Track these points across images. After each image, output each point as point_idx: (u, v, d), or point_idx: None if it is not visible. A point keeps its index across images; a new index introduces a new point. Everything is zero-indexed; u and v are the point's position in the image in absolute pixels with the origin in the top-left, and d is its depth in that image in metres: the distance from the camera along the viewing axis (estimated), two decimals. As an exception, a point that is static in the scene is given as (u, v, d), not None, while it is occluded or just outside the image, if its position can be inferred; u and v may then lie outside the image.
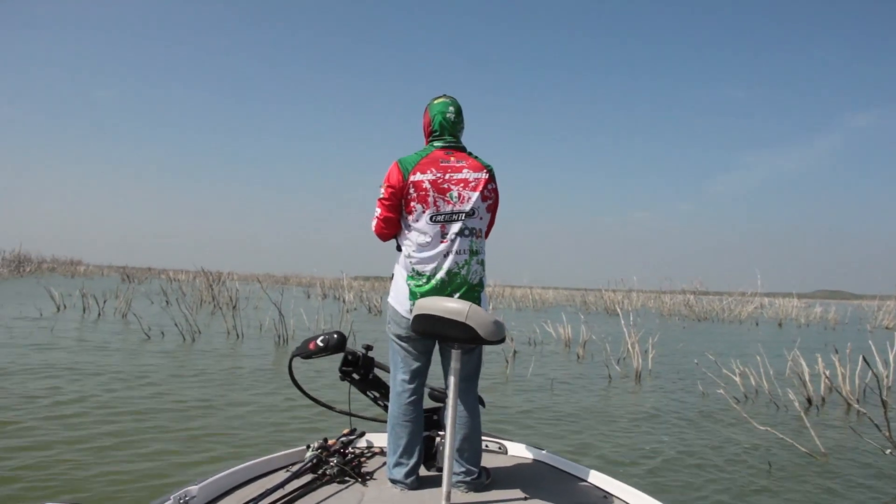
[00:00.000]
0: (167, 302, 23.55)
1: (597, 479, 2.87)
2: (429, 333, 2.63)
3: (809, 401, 8.93)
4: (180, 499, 2.30)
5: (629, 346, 11.66)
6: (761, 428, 6.46)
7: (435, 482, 2.74)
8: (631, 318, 12.91)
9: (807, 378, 9.07)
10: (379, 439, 3.32)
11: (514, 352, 12.78)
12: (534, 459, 3.22)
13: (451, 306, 2.47)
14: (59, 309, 18.01)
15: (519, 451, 3.32)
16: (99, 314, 17.14)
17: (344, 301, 16.44)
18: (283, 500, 2.47)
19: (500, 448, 3.36)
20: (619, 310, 18.32)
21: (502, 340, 2.56)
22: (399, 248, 2.85)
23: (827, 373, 8.83)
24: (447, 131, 2.82)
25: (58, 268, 56.76)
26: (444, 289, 2.68)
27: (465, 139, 2.92)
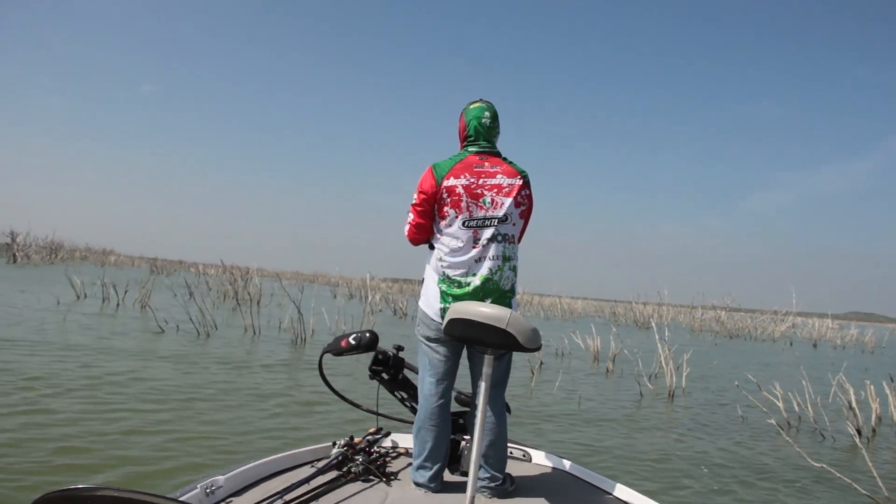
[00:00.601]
0: (190, 295, 23.42)
1: (621, 492, 2.81)
2: (465, 338, 2.60)
3: (859, 432, 8.22)
4: (207, 488, 2.31)
5: (662, 361, 10.92)
6: (817, 465, 5.80)
7: (459, 487, 2.75)
8: (665, 333, 12.20)
9: (855, 406, 8.36)
10: (404, 440, 3.31)
11: (541, 363, 12.17)
12: (558, 469, 3.20)
13: (492, 312, 2.41)
14: (78, 297, 17.83)
15: (543, 460, 3.29)
16: (118, 304, 16.94)
17: (368, 302, 16.09)
18: (307, 496, 2.47)
19: (524, 455, 3.33)
20: (653, 324, 17.57)
21: (539, 348, 2.51)
22: (431, 247, 2.83)
23: (877, 401, 8.13)
24: (482, 136, 2.81)
25: (90, 256, 57.41)
26: (476, 294, 2.67)
27: (501, 145, 2.90)
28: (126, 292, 18.16)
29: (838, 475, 5.51)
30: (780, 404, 8.60)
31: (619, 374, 12.59)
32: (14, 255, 40.98)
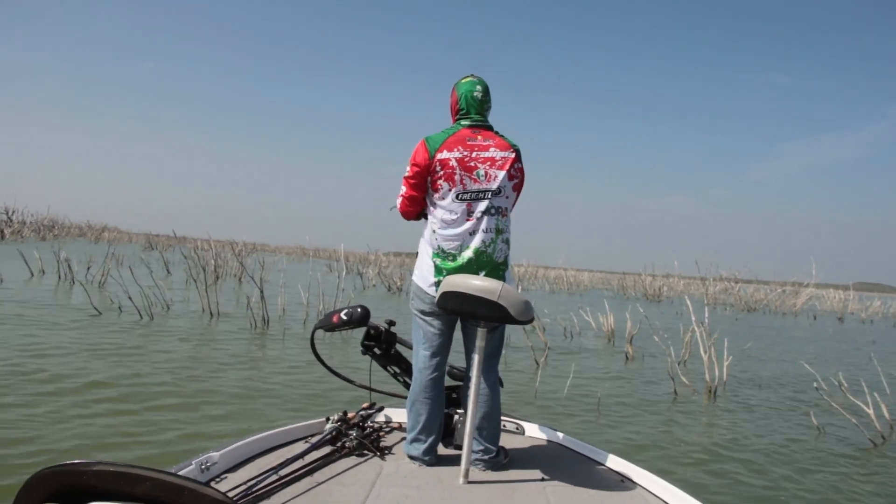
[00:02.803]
0: (168, 272, 21.64)
1: (614, 462, 2.84)
2: (457, 311, 2.68)
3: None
4: (202, 464, 2.32)
5: (700, 348, 8.66)
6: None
7: (453, 460, 2.76)
8: (704, 312, 9.82)
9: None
10: (398, 414, 3.32)
11: (547, 348, 10.28)
12: (552, 441, 3.22)
13: (483, 285, 2.49)
14: (32, 275, 16.18)
15: (537, 433, 3.31)
16: (72, 282, 15.08)
17: (341, 276, 14.25)
18: (302, 470, 2.49)
19: (517, 428, 3.35)
20: (664, 297, 15.64)
21: (531, 321, 2.59)
22: (425, 217, 2.86)
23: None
24: (474, 110, 2.82)
25: (88, 233, 55.95)
26: (470, 267, 2.70)
27: (493, 118, 2.91)
28: (89, 269, 16.51)
29: None
30: (870, 412, 6.47)
31: (641, 358, 10.67)
32: (1, 232, 39.25)
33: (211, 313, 11.51)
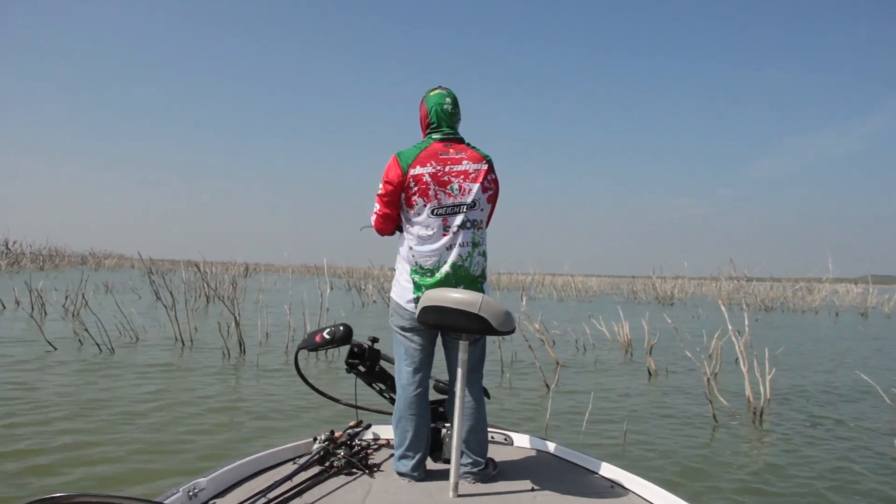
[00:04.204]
0: (157, 298, 20.72)
1: (603, 469, 2.81)
2: (438, 325, 2.66)
3: None
4: (189, 491, 2.29)
5: (741, 364, 7.13)
6: None
7: (442, 474, 2.74)
8: (725, 315, 8.36)
9: None
10: (385, 431, 3.29)
11: (558, 367, 9.09)
12: (540, 450, 3.18)
13: (463, 297, 2.49)
14: (4, 307, 15.54)
15: (525, 443, 3.28)
16: (44, 314, 14.02)
17: (360, 292, 13.26)
18: (291, 492, 2.46)
19: (505, 439, 3.31)
20: (674, 299, 14.41)
21: (513, 331, 2.58)
22: (401, 230, 2.83)
23: None
24: (445, 122, 2.79)
25: (90, 261, 55.27)
26: (448, 281, 2.67)
27: (464, 129, 2.88)
28: (67, 298, 15.82)
29: None
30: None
31: (664, 372, 9.48)
32: (-2, 265, 38.73)
33: (183, 342, 10.40)
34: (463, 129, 2.89)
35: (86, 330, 9.58)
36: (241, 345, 9.87)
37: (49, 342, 9.33)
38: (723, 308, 7.55)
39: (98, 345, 9.36)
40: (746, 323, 7.55)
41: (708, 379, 7.11)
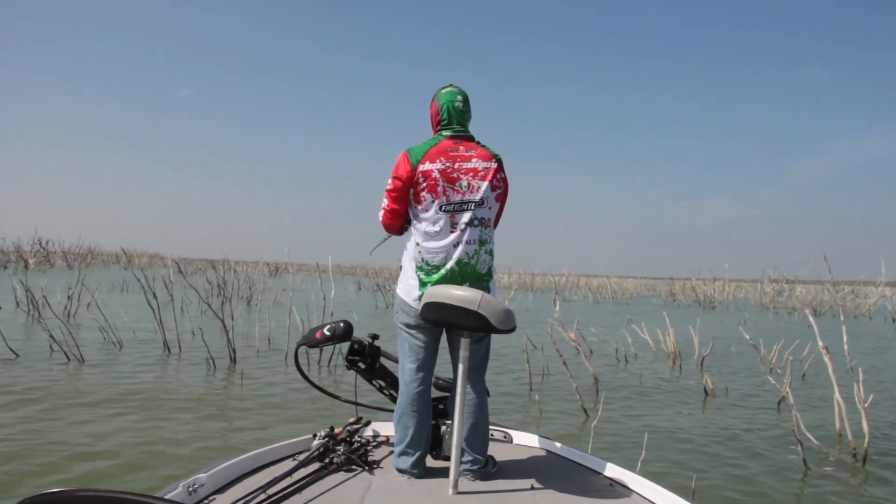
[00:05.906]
0: (171, 298, 19.90)
1: (603, 467, 2.78)
2: (439, 322, 2.64)
3: None
4: (189, 486, 2.26)
5: (835, 392, 5.68)
6: None
7: (441, 471, 2.71)
8: (813, 324, 6.45)
9: None
10: (385, 428, 3.28)
11: (596, 383, 7.69)
12: (540, 448, 3.15)
13: (463, 294, 2.47)
14: (1, 308, 14.55)
15: (525, 441, 3.24)
16: (37, 317, 13.04)
17: (384, 292, 12.29)
18: (290, 488, 2.44)
19: (505, 437, 3.29)
20: (735, 302, 12.87)
21: (513, 329, 2.54)
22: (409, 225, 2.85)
23: None
24: (455, 120, 2.78)
25: (122, 259, 55.65)
26: (453, 278, 2.64)
27: (474, 128, 2.87)
28: (69, 297, 14.74)
29: None
30: None
31: (723, 392, 8.02)
32: (26, 262, 38.38)
33: (169, 349, 9.28)
34: (478, 128, 2.84)
35: (51, 336, 8.46)
36: (231, 355, 8.73)
37: (12, 349, 8.25)
38: (810, 317, 5.97)
39: (66, 354, 8.25)
40: (845, 339, 5.83)
41: (794, 411, 5.27)
